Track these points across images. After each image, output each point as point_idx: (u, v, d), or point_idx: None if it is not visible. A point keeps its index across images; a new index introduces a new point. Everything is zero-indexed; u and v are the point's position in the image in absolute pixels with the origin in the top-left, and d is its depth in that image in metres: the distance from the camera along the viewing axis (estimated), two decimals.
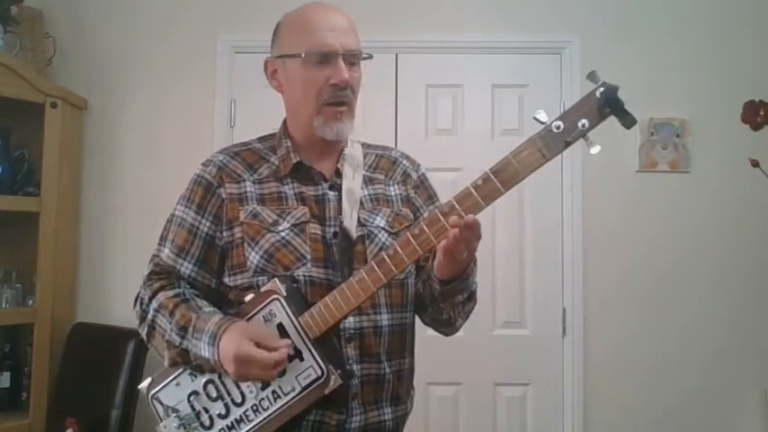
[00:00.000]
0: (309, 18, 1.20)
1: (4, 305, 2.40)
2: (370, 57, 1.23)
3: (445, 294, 1.16)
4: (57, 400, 2.38)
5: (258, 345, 1.04)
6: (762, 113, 2.48)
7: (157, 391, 1.19)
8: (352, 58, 1.20)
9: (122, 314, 2.59)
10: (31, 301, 2.43)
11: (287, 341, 1.07)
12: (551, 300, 2.59)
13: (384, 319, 1.19)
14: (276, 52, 1.24)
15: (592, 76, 0.96)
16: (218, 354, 1.06)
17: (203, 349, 1.08)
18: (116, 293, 2.64)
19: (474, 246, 1.05)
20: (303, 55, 1.17)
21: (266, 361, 1.03)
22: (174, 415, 1.16)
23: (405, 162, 1.34)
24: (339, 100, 1.18)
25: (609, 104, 0.96)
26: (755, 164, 2.35)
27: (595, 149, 0.97)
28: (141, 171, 2.67)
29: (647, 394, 2.57)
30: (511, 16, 2.67)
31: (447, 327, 1.27)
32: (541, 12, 2.67)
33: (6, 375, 2.42)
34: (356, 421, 1.15)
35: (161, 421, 1.17)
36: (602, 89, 0.95)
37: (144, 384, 1.22)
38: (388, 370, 1.19)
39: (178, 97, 2.68)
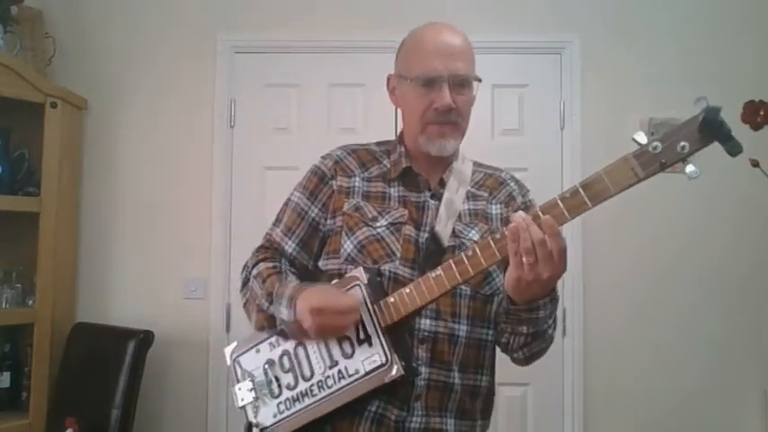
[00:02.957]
0: (421, 42, 1.25)
1: (4, 305, 2.40)
2: (480, 80, 1.26)
3: (508, 315, 1.14)
4: (57, 400, 2.38)
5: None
6: (762, 113, 2.48)
7: (239, 355, 1.27)
8: (460, 81, 1.23)
9: (122, 314, 2.60)
10: (31, 301, 2.44)
11: (356, 295, 1.12)
12: None
13: (462, 329, 1.19)
14: (396, 71, 1.32)
15: (700, 102, 0.94)
16: (294, 314, 1.12)
17: (283, 312, 1.15)
18: (116, 293, 2.64)
19: (547, 269, 0.99)
20: (410, 80, 1.23)
21: (338, 306, 1.08)
22: (249, 379, 1.24)
23: (512, 185, 1.34)
24: (442, 121, 1.23)
25: (711, 129, 0.93)
26: (755, 164, 2.35)
27: (689, 168, 0.96)
28: (141, 171, 2.67)
29: (647, 394, 2.57)
30: (511, 16, 2.67)
31: (504, 352, 1.26)
32: (541, 12, 2.67)
33: (6, 375, 2.42)
34: (416, 422, 1.15)
35: (237, 383, 1.26)
36: (704, 113, 0.93)
37: (229, 347, 1.30)
38: (458, 381, 1.19)
39: (178, 97, 2.68)
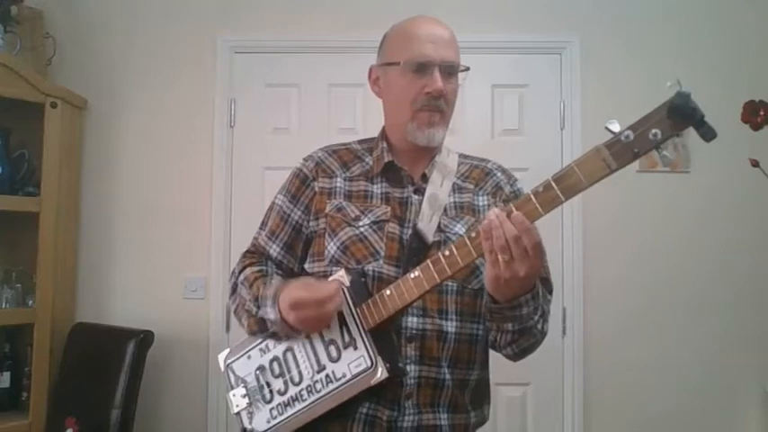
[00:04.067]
0: (412, 29, 1.26)
1: (4, 305, 2.40)
2: (468, 69, 1.25)
3: (492, 313, 1.13)
4: (57, 400, 2.38)
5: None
6: (762, 113, 2.48)
7: (232, 362, 1.29)
8: (450, 70, 1.23)
9: (122, 314, 2.60)
10: (30, 301, 2.43)
11: (336, 281, 1.11)
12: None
13: (451, 325, 1.18)
14: (380, 60, 1.32)
15: (673, 87, 0.91)
16: (279, 312, 1.12)
17: (270, 313, 1.15)
18: (116, 293, 2.64)
19: (523, 266, 0.97)
20: (401, 64, 1.23)
21: (315, 297, 1.08)
22: (242, 385, 1.26)
23: (499, 174, 1.33)
24: (432, 107, 1.22)
25: (681, 115, 0.89)
26: (755, 164, 2.36)
27: (663, 154, 0.93)
28: (141, 171, 2.67)
29: (647, 394, 2.57)
30: (511, 16, 2.67)
31: (493, 349, 1.25)
32: (541, 12, 2.67)
33: (6, 375, 2.42)
34: (408, 421, 1.15)
35: (231, 389, 1.27)
36: (674, 97, 0.90)
37: (223, 354, 1.32)
38: (448, 376, 1.18)
39: (178, 97, 2.68)
